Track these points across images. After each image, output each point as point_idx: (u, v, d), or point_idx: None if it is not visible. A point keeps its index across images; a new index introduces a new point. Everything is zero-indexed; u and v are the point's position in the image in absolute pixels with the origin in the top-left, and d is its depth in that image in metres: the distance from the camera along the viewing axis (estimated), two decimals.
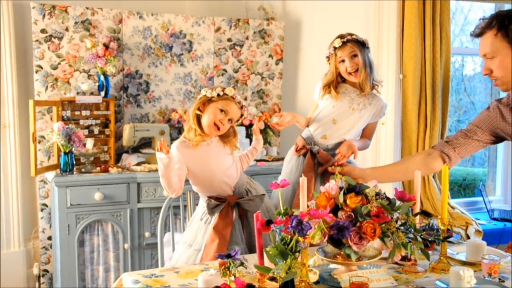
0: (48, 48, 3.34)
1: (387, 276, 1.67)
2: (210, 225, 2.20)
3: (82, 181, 3.07)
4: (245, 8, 4.00)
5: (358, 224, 1.58)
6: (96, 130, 3.33)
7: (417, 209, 1.80)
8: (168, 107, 3.70)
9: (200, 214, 2.28)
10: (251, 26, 3.87)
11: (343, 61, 2.50)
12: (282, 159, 3.65)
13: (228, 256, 1.54)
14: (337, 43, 2.49)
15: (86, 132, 3.25)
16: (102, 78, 3.37)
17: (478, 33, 2.01)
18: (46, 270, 3.43)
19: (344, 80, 2.58)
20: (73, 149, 3.06)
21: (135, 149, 3.52)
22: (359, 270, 1.66)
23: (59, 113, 3.22)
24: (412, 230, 1.62)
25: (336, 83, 2.55)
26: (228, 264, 1.54)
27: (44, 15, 3.31)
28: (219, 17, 3.79)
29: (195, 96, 2.25)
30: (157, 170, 2.09)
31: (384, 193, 1.67)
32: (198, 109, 2.18)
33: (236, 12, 3.95)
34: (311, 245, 1.56)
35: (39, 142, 3.29)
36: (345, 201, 1.63)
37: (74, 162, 3.11)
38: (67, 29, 3.38)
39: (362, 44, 2.50)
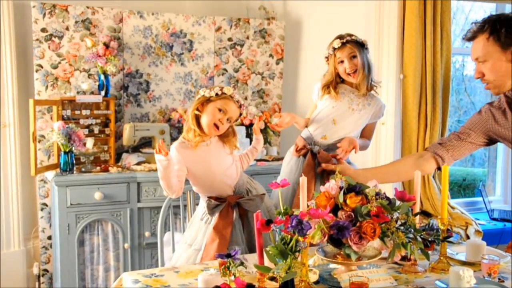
0: (49, 47, 3.34)
1: (387, 276, 1.67)
2: (210, 225, 2.20)
3: (82, 180, 3.07)
4: (245, 7, 4.00)
5: (358, 224, 1.58)
6: (96, 130, 3.33)
7: (417, 209, 1.80)
8: (168, 106, 3.70)
9: (200, 214, 2.28)
10: (252, 26, 3.87)
11: (342, 62, 2.49)
12: (282, 159, 3.64)
13: (228, 255, 1.54)
14: (336, 43, 2.49)
15: (86, 131, 3.25)
16: (102, 77, 3.37)
17: (470, 37, 2.03)
18: (46, 270, 3.43)
19: (343, 81, 2.58)
20: (73, 148, 3.06)
21: (135, 149, 3.51)
22: (359, 270, 1.66)
23: (59, 113, 3.22)
24: (412, 230, 1.62)
25: (335, 83, 2.55)
26: (228, 264, 1.54)
27: (44, 14, 3.31)
28: (220, 16, 3.79)
29: (195, 95, 2.25)
30: (157, 170, 2.09)
31: (384, 193, 1.67)
32: (197, 109, 2.18)
33: (236, 11, 3.95)
34: (311, 244, 1.56)
35: (39, 141, 3.29)
36: (345, 201, 1.63)
37: (74, 162, 3.11)
38: (67, 28, 3.38)
39: (361, 45, 2.50)
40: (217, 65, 3.81)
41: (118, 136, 3.50)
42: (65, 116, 3.23)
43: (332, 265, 1.77)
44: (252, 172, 3.12)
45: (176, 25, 3.66)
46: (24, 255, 3.42)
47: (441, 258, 1.84)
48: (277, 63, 3.98)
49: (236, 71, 3.87)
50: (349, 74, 2.50)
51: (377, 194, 1.64)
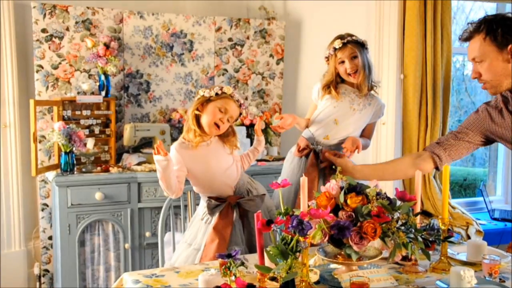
0: (49, 47, 3.34)
1: (388, 276, 1.67)
2: (210, 225, 2.20)
3: (83, 181, 3.07)
4: (246, 7, 4.00)
5: (358, 224, 1.57)
6: (96, 130, 3.33)
7: (418, 209, 1.80)
8: (169, 106, 3.70)
9: (200, 214, 2.28)
10: (252, 26, 3.87)
11: (342, 62, 2.49)
12: (283, 159, 3.64)
13: (229, 256, 1.54)
14: (337, 44, 2.48)
15: (86, 131, 3.25)
16: (102, 77, 3.37)
17: (466, 37, 2.03)
18: (46, 270, 3.43)
19: (343, 81, 2.58)
20: (74, 148, 3.07)
21: (136, 149, 3.52)
22: (359, 270, 1.66)
23: (59, 113, 3.23)
24: (413, 230, 1.62)
25: (335, 83, 2.55)
26: (228, 264, 1.54)
27: (44, 15, 3.31)
28: (220, 16, 3.79)
29: (195, 96, 2.26)
30: (156, 165, 2.09)
31: (385, 193, 1.67)
32: (197, 109, 2.18)
33: (237, 11, 3.95)
34: (312, 245, 1.56)
35: (40, 142, 3.29)
36: (345, 201, 1.63)
37: (75, 162, 3.11)
38: (67, 29, 3.38)
39: (361, 45, 2.50)
40: (218, 65, 3.81)
41: (119, 136, 3.50)
42: (65, 116, 3.23)
43: (332, 265, 1.77)
44: (252, 172, 3.12)
45: (176, 25, 3.66)
46: (24, 255, 3.42)
47: (442, 258, 1.84)
48: (278, 63, 3.98)
49: (237, 71, 3.87)
50: (349, 75, 2.50)
51: (378, 194, 1.64)
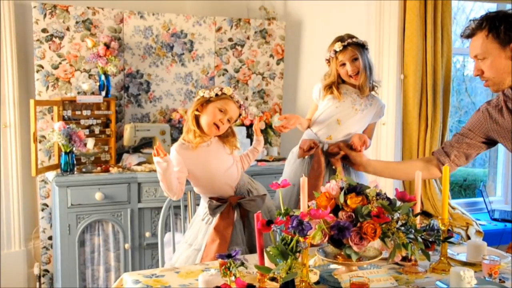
0: (49, 47, 3.34)
1: (388, 276, 1.67)
2: (211, 225, 2.20)
3: (83, 181, 3.07)
4: (246, 8, 4.00)
5: (358, 224, 1.57)
6: (96, 130, 3.33)
7: (418, 209, 1.80)
8: (169, 107, 3.70)
9: (201, 214, 2.28)
10: (252, 26, 3.87)
11: (343, 64, 2.48)
12: (283, 159, 3.66)
13: (229, 256, 1.54)
14: (338, 46, 2.47)
15: (86, 132, 3.25)
16: (103, 77, 3.37)
17: (468, 34, 2.02)
18: (46, 270, 3.43)
19: (344, 81, 2.58)
20: (74, 149, 3.07)
21: (136, 149, 3.52)
22: (359, 271, 1.66)
23: (59, 113, 3.23)
24: (413, 231, 1.62)
25: (337, 84, 2.55)
26: (228, 264, 1.54)
27: (45, 15, 3.31)
28: (220, 16, 3.79)
29: (195, 96, 2.26)
30: (156, 167, 2.09)
31: (385, 194, 1.67)
32: (197, 110, 2.18)
33: (237, 12, 3.95)
34: (312, 245, 1.56)
35: (40, 142, 3.29)
36: (345, 201, 1.62)
37: (75, 162, 3.11)
38: (68, 29, 3.38)
39: (362, 47, 2.50)
40: (218, 65, 3.81)
41: (119, 136, 3.50)
42: (65, 116, 3.23)
43: (332, 266, 1.77)
44: (252, 173, 3.12)
45: (176, 25, 3.66)
46: (24, 255, 3.42)
47: (442, 258, 1.84)
48: (278, 63, 3.98)
49: (237, 71, 3.87)
50: (351, 76, 2.50)
51: (378, 194, 1.64)
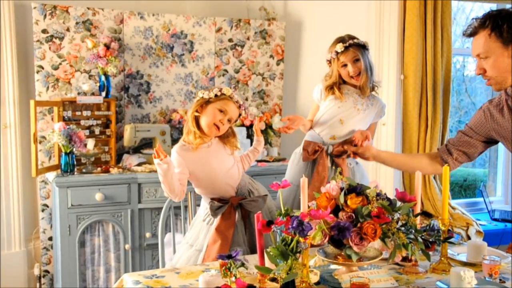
0: (49, 48, 3.34)
1: (388, 276, 1.67)
2: (212, 226, 2.20)
3: (83, 181, 3.07)
4: (246, 8, 4.00)
5: (358, 224, 1.58)
6: (97, 131, 3.33)
7: (418, 209, 1.80)
8: (169, 107, 3.70)
9: (202, 215, 2.28)
10: (252, 27, 3.87)
11: (345, 65, 2.49)
12: (283, 159, 3.66)
13: (229, 256, 1.54)
14: (339, 48, 2.47)
15: (87, 132, 3.25)
16: (103, 78, 3.37)
17: (471, 33, 2.02)
18: (47, 271, 3.43)
19: (344, 81, 2.59)
20: (74, 149, 3.07)
21: (136, 150, 3.52)
22: (359, 271, 1.66)
23: (60, 114, 3.23)
24: (413, 231, 1.62)
25: (338, 84, 2.56)
26: (229, 265, 1.54)
27: (45, 15, 3.31)
28: (220, 17, 3.79)
29: (196, 96, 2.26)
30: (157, 169, 2.09)
31: (385, 194, 1.67)
32: (196, 111, 2.18)
33: (237, 12, 3.95)
34: (312, 245, 1.56)
35: (40, 142, 3.29)
36: (345, 201, 1.63)
37: (75, 163, 3.11)
38: (68, 29, 3.38)
39: (363, 47, 2.51)
40: (218, 66, 3.81)
41: (119, 137, 3.50)
42: (66, 117, 3.23)
43: (333, 266, 1.77)
44: (252, 173, 3.12)
45: (176, 26, 3.66)
46: (25, 256, 3.42)
47: (442, 258, 1.84)
48: (278, 64, 3.98)
49: (237, 72, 3.87)
50: (352, 77, 2.51)
51: (378, 195, 1.64)
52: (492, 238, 3.45)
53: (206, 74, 3.77)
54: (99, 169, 3.21)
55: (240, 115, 2.27)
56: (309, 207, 1.63)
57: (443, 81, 3.59)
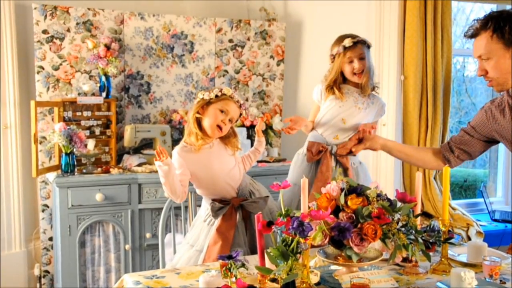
0: (50, 49, 3.35)
1: (388, 277, 1.67)
2: (213, 227, 2.20)
3: (83, 182, 3.07)
4: (246, 9, 4.00)
5: (359, 225, 1.57)
6: (97, 131, 3.34)
7: (418, 210, 1.80)
8: (169, 108, 3.70)
9: (203, 215, 2.28)
10: (253, 27, 3.87)
11: (351, 61, 2.51)
12: (284, 160, 3.66)
13: (229, 257, 1.54)
14: (348, 42, 2.49)
15: (87, 133, 3.25)
16: (103, 79, 3.37)
17: (472, 34, 2.01)
18: (47, 271, 3.43)
19: (344, 81, 2.59)
20: (74, 150, 3.07)
21: (136, 150, 3.52)
22: (360, 272, 1.66)
23: (60, 114, 3.23)
24: (413, 232, 1.62)
25: (338, 84, 2.56)
26: (229, 265, 1.54)
27: (45, 16, 3.31)
28: (221, 18, 3.79)
29: (196, 97, 2.26)
30: (158, 171, 2.09)
31: (385, 195, 1.67)
32: (198, 112, 2.18)
33: (237, 13, 3.95)
34: (312, 246, 1.56)
35: (41, 143, 3.29)
36: (346, 202, 1.62)
37: (75, 163, 3.11)
38: (68, 30, 3.38)
39: (368, 47, 2.55)
40: (218, 66, 3.81)
41: (119, 137, 3.50)
42: (66, 117, 3.23)
43: (333, 267, 1.77)
44: (253, 174, 3.12)
45: (177, 26, 3.66)
46: (25, 256, 3.42)
47: (442, 259, 1.84)
48: (278, 65, 3.98)
49: (237, 72, 3.87)
50: (355, 74, 2.52)
51: (378, 195, 1.64)
52: (492, 239, 3.45)
53: (206, 75, 3.78)
54: (99, 169, 3.21)
55: (241, 114, 2.27)
56: (310, 207, 1.63)
57: (443, 82, 3.59)
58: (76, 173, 3.12)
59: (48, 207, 3.41)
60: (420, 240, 1.64)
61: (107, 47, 3.34)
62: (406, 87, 3.56)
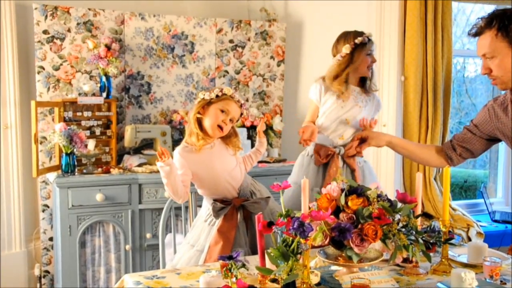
0: (50, 49, 3.35)
1: (389, 278, 1.67)
2: (214, 227, 2.20)
3: (84, 182, 3.07)
4: (247, 9, 4.00)
5: (359, 226, 1.57)
6: (97, 131, 3.34)
7: (419, 211, 1.80)
8: (170, 108, 3.70)
9: (204, 215, 2.27)
10: (253, 28, 3.87)
11: (369, 54, 2.58)
12: (284, 160, 3.66)
13: (230, 257, 1.54)
14: (369, 35, 2.58)
15: (87, 133, 3.26)
16: (104, 79, 3.38)
17: (477, 32, 2.01)
18: (47, 271, 3.43)
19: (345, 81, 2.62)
20: (75, 150, 3.07)
21: (137, 150, 3.52)
22: (360, 272, 1.66)
23: (61, 114, 3.23)
24: (414, 232, 1.62)
25: (344, 79, 2.59)
26: (229, 266, 1.54)
27: (46, 16, 3.31)
28: (221, 18, 3.79)
29: (196, 97, 2.26)
30: (158, 171, 2.09)
31: (386, 195, 1.67)
32: (198, 113, 2.18)
33: (238, 13, 3.96)
34: (313, 246, 1.56)
35: (41, 143, 3.29)
36: (346, 203, 1.63)
37: (76, 163, 3.12)
38: (69, 30, 3.38)
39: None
40: (218, 67, 3.81)
41: (120, 137, 3.50)
42: (66, 117, 3.24)
43: (333, 267, 1.77)
44: (253, 174, 3.11)
45: (177, 27, 3.66)
46: (25, 256, 3.42)
47: (443, 260, 1.84)
48: (278, 65, 3.99)
49: (237, 73, 3.87)
50: (368, 67, 2.61)
51: (379, 196, 1.64)
52: (492, 240, 3.45)
53: (206, 75, 3.78)
54: (99, 169, 3.21)
55: (242, 114, 2.27)
56: (310, 208, 1.63)
57: (443, 82, 3.59)
58: (76, 173, 3.12)
59: (48, 207, 3.41)
60: (421, 241, 1.64)
61: (108, 47, 3.35)
62: (407, 88, 3.56)
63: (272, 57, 3.96)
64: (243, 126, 3.64)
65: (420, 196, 1.86)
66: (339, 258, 1.66)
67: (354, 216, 1.60)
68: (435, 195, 3.59)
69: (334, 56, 2.62)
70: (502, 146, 4.07)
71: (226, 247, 2.12)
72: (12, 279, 3.35)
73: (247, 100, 3.90)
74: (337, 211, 1.65)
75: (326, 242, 1.59)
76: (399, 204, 1.69)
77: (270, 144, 3.81)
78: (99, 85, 3.42)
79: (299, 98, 4.12)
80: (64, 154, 3.07)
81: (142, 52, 3.59)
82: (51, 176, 3.15)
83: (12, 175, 3.34)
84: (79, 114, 3.29)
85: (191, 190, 2.41)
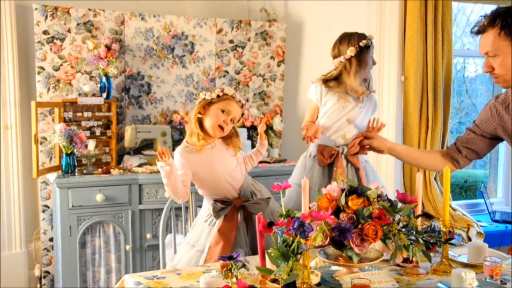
0: (50, 49, 3.35)
1: (389, 278, 1.67)
2: (215, 227, 2.20)
3: (84, 182, 3.07)
4: (247, 9, 4.00)
5: (360, 226, 1.58)
6: (97, 132, 3.34)
7: (419, 211, 1.80)
8: (170, 108, 3.70)
9: (204, 215, 2.27)
10: (253, 28, 3.87)
11: (370, 57, 2.61)
12: (284, 160, 3.66)
13: (230, 258, 1.54)
14: (372, 38, 2.60)
15: (87, 133, 3.26)
16: (104, 79, 3.38)
17: (479, 31, 2.00)
18: (47, 272, 3.43)
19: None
20: (75, 150, 3.07)
21: (137, 151, 3.52)
22: (360, 272, 1.66)
23: (61, 115, 3.23)
24: (414, 232, 1.62)
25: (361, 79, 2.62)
26: (230, 266, 1.54)
27: (46, 17, 3.31)
28: (221, 18, 3.79)
29: (197, 97, 2.25)
30: (158, 172, 2.09)
31: (386, 195, 1.67)
32: (199, 113, 2.18)
33: (238, 13, 3.96)
34: (313, 247, 1.56)
35: (41, 143, 3.29)
36: (347, 203, 1.63)
37: (76, 164, 3.12)
38: (69, 31, 3.38)
39: None
40: (219, 67, 3.81)
41: (120, 138, 3.50)
42: (66, 118, 3.24)
43: (334, 267, 1.77)
44: (253, 174, 3.11)
45: (177, 27, 3.66)
46: (25, 257, 3.42)
47: (443, 260, 1.84)
48: (278, 65, 3.99)
49: (238, 73, 3.87)
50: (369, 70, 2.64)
51: (379, 196, 1.64)
52: (492, 240, 3.45)
53: (207, 75, 3.78)
54: (100, 170, 3.21)
55: (243, 114, 2.26)
56: (310, 208, 1.63)
57: (443, 82, 3.59)
58: (76, 174, 3.12)
59: (48, 207, 3.41)
60: (421, 241, 1.64)
61: (108, 47, 3.35)
62: (407, 88, 3.56)
63: (272, 57, 3.96)
64: (243, 126, 3.64)
65: (420, 196, 1.85)
66: (340, 258, 1.66)
67: (354, 216, 1.60)
68: (435, 195, 3.59)
69: (335, 57, 2.61)
70: (502, 146, 4.07)
71: (226, 248, 2.11)
72: (12, 280, 3.35)
73: (247, 100, 3.90)
74: (337, 211, 1.65)
75: (326, 242, 1.59)
76: (399, 204, 1.69)
77: (270, 144, 3.81)
78: (99, 85, 3.43)
79: (299, 98, 4.12)
80: (64, 155, 3.07)
81: (142, 53, 3.59)
82: (51, 176, 3.15)
83: (12, 175, 3.34)
84: (79, 114, 3.29)
85: (191, 190, 2.41)
